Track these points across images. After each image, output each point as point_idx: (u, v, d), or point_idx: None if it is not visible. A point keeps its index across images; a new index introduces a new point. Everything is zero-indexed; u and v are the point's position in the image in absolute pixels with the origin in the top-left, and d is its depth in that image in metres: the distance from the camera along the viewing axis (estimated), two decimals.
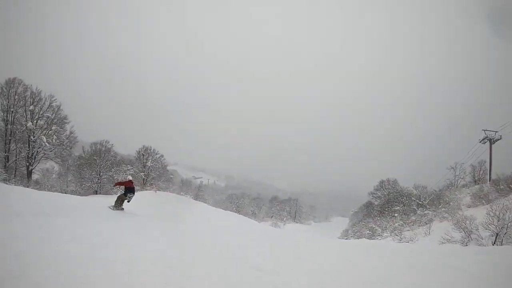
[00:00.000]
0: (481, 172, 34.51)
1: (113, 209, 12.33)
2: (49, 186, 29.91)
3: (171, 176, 41.82)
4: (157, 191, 28.21)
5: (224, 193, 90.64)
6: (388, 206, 38.28)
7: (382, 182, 44.06)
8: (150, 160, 37.91)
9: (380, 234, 28.31)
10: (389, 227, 29.02)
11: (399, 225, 28.63)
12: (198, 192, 53.34)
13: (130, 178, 13.88)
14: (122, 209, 12.62)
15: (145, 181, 37.61)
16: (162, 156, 39.54)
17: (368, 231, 30.40)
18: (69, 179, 34.58)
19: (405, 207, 36.42)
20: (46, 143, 28.44)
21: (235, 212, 42.74)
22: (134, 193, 13.04)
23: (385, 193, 42.52)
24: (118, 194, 13.22)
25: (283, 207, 67.23)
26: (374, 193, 44.70)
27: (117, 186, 15.70)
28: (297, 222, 63.73)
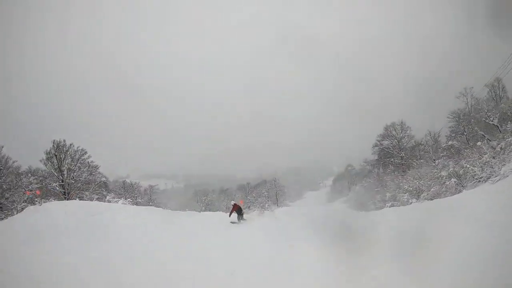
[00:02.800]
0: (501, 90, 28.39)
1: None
2: None
3: (104, 179, 29.65)
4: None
5: (185, 194, 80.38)
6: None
7: (388, 127, 36.99)
8: (68, 162, 25.93)
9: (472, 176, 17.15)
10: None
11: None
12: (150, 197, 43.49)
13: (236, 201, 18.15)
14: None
15: (67, 194, 25.60)
16: (85, 152, 27.54)
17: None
18: None
19: None
20: None
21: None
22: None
23: (395, 142, 35.79)
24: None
25: (260, 192, 57.87)
26: (379, 144, 37.49)
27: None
28: (280, 206, 55.04)
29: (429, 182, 18.99)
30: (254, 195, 57.00)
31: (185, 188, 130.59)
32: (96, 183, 27.78)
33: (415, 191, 20.13)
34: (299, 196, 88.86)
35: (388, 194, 23.16)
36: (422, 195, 19.09)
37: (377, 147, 38.54)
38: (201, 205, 50.32)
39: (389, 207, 21.40)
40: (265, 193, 57.39)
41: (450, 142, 24.20)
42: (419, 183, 20.31)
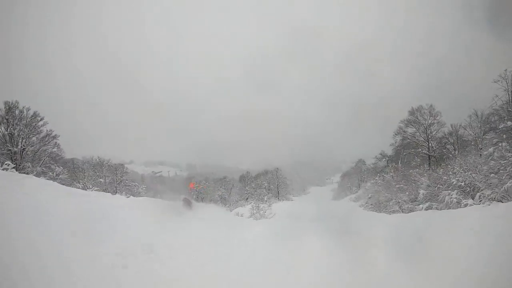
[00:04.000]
0: None
1: None
2: None
3: (56, 150, 23.58)
4: None
5: (184, 182, 75.50)
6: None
7: (414, 112, 30.42)
8: (19, 126, 20.51)
9: None
10: None
11: None
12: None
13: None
14: None
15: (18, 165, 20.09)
16: (39, 118, 21.97)
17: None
18: None
19: None
20: None
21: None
22: None
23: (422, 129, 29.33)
24: None
25: (260, 183, 51.79)
26: (402, 132, 30.96)
27: None
28: (281, 199, 49.01)
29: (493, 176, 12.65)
30: (253, 185, 51.13)
31: (187, 177, 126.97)
32: (46, 154, 22.14)
33: (468, 188, 13.78)
34: (303, 191, 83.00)
35: (422, 192, 16.87)
36: (480, 193, 12.76)
37: (399, 135, 31.99)
38: (192, 193, 44.90)
39: (425, 209, 15.18)
40: (266, 184, 51.39)
41: (509, 123, 17.69)
42: (472, 176, 13.93)
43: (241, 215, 24.92)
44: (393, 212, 19.69)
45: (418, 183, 20.45)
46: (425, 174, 21.99)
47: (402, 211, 18.78)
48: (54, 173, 21.07)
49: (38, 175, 17.95)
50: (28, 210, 6.50)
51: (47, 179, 14.36)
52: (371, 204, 29.94)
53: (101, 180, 25.94)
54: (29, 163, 20.55)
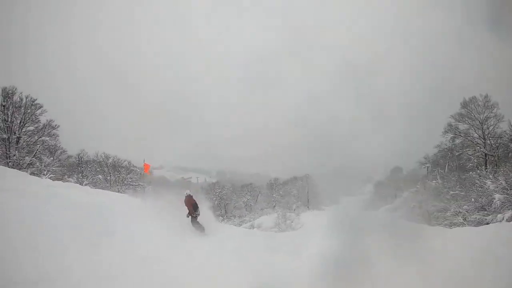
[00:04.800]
0: None
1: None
2: None
3: (54, 132, 21.58)
4: None
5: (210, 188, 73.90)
6: None
7: (467, 103, 25.66)
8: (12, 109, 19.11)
9: None
10: None
11: None
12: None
13: (189, 192, 11.09)
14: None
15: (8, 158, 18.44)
16: (37, 105, 20.44)
17: None
18: None
19: None
20: None
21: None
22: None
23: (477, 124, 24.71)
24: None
25: (289, 191, 48.09)
26: (453, 128, 26.26)
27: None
28: (311, 209, 45.01)
29: None
30: (281, 192, 47.61)
31: (217, 183, 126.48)
32: (40, 144, 20.35)
33: None
34: (335, 201, 77.35)
35: (497, 196, 12.71)
36: None
37: (451, 133, 27.18)
38: (214, 198, 42.57)
39: (507, 220, 11.05)
40: (295, 191, 47.54)
41: None
42: None
43: (259, 227, 21.72)
44: (454, 224, 15.49)
45: (484, 187, 16.14)
46: (490, 176, 17.58)
47: (467, 224, 14.59)
48: (43, 164, 19.18)
49: (26, 166, 16.25)
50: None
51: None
52: (418, 215, 26.01)
53: (100, 176, 23.88)
54: (16, 152, 18.90)
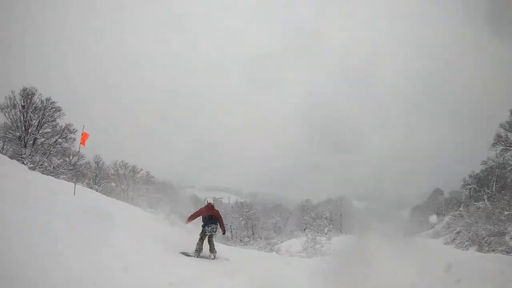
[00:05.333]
0: None
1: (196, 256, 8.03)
2: None
3: (66, 144, 20.82)
4: None
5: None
6: None
7: None
8: (33, 111, 18.91)
9: None
10: None
11: None
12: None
13: (210, 200, 8.81)
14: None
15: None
16: (56, 108, 20.13)
17: None
18: None
19: None
20: None
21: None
22: (216, 224, 8.39)
23: None
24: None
25: (320, 213, 44.78)
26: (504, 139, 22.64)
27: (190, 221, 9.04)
28: (344, 233, 41.31)
29: None
30: (313, 215, 44.43)
31: (245, 203, 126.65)
32: (57, 147, 19.83)
33: None
34: (367, 226, 72.21)
35: None
36: None
37: (501, 144, 23.39)
38: (240, 218, 40.54)
39: None
40: (327, 214, 44.11)
41: None
42: None
43: (279, 250, 19.45)
44: None
45: None
46: None
47: None
48: (52, 166, 18.54)
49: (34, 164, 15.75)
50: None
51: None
52: (467, 241, 22.43)
53: (113, 184, 22.97)
54: (27, 150, 18.46)
